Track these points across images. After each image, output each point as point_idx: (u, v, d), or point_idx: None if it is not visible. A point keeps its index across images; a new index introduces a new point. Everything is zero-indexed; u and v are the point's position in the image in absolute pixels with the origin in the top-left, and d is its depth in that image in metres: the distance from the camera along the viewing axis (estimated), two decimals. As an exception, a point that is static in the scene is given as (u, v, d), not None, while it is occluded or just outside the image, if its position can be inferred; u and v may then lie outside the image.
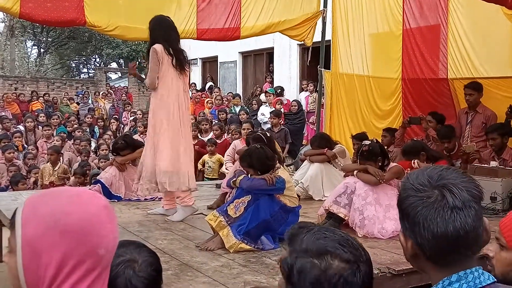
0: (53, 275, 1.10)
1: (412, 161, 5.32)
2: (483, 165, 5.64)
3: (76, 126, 11.94)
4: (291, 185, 4.30)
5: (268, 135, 5.40)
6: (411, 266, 3.51)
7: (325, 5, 8.08)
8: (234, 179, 4.21)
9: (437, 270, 1.29)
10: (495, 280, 1.29)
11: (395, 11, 7.71)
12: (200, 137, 9.66)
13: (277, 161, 4.36)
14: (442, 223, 1.23)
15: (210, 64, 19.19)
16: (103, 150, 9.27)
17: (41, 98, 15.90)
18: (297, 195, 4.66)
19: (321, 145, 6.28)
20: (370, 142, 4.68)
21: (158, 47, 4.80)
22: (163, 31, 4.94)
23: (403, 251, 1.36)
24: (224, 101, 13.57)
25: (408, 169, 5.14)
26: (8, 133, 10.36)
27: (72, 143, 9.90)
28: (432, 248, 1.26)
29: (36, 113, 13.04)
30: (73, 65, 36.65)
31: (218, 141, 9.31)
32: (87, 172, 8.35)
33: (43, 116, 12.58)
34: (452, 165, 5.50)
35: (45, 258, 1.10)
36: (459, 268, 1.26)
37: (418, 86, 7.67)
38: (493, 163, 5.61)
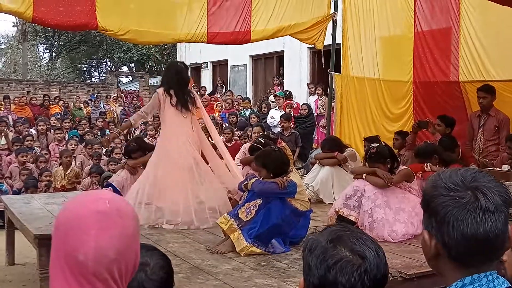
0: (51, 273, 1.12)
1: (425, 165, 5.29)
2: (495, 168, 5.60)
3: (88, 129, 11.99)
4: (302, 189, 4.30)
5: (263, 141, 5.37)
6: (423, 271, 3.48)
7: (335, 8, 8.07)
8: (246, 182, 4.21)
9: (457, 271, 1.28)
10: (510, 286, 1.28)
11: (406, 14, 7.68)
12: (210, 140, 9.63)
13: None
14: (473, 225, 1.23)
15: (220, 67, 19.22)
16: (116, 154, 9.31)
17: (61, 101, 16.04)
18: (308, 198, 4.66)
19: (332, 148, 6.27)
20: (378, 144, 4.67)
21: (159, 90, 5.32)
22: (170, 75, 5.38)
23: (424, 249, 1.35)
24: (234, 104, 13.52)
25: (420, 172, 5.11)
26: (21, 136, 10.42)
27: (84, 147, 9.95)
28: (459, 248, 1.25)
29: (53, 117, 13.13)
30: (85, 68, 36.95)
31: (229, 145, 9.30)
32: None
33: (55, 120, 12.62)
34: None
35: (51, 254, 1.13)
36: (479, 271, 1.26)
37: (429, 89, 7.62)
38: (505, 167, 5.57)
